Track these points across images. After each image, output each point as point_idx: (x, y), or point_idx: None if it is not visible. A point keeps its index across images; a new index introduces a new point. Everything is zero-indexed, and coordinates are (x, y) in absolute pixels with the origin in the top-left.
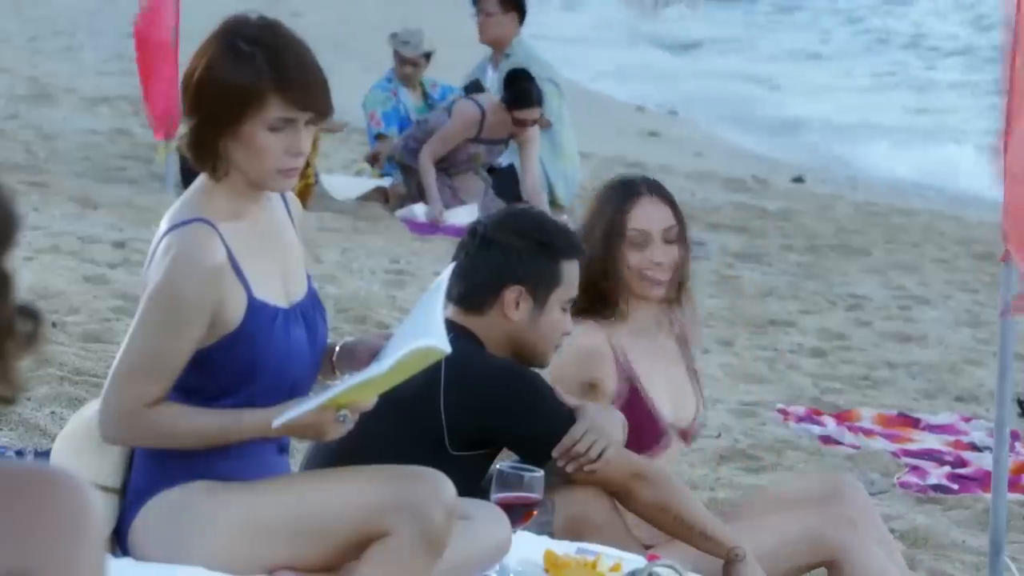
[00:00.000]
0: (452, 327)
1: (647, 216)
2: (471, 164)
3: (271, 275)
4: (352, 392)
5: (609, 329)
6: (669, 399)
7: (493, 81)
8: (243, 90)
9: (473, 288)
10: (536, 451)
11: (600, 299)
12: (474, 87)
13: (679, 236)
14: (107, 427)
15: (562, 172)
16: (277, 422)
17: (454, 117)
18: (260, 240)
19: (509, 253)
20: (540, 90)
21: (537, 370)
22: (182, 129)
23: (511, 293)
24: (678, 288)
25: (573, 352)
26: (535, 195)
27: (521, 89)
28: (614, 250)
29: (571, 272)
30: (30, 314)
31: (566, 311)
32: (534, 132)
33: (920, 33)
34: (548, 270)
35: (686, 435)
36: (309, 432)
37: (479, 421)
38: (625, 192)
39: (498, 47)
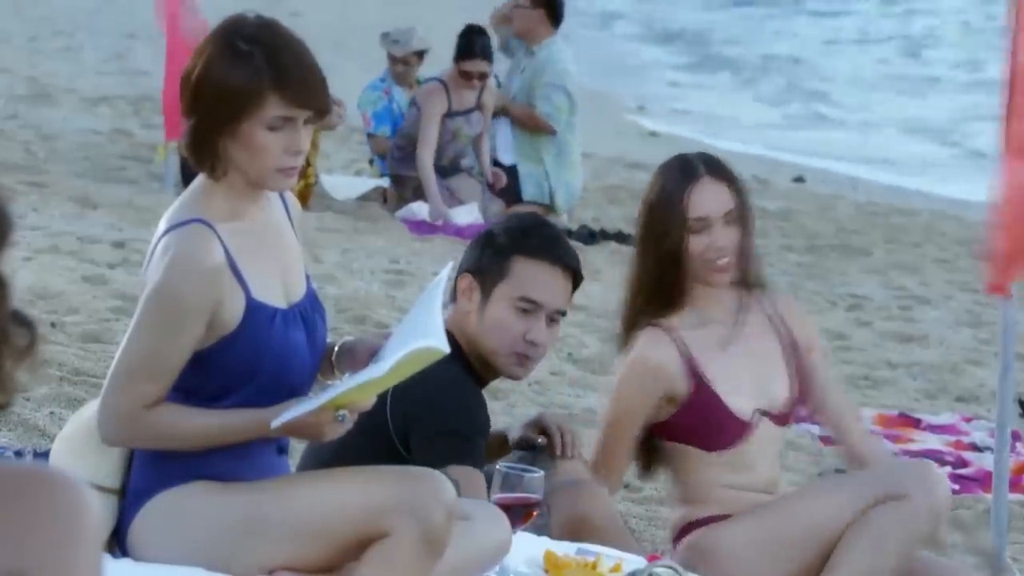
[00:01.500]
0: None
1: (706, 201)
2: (458, 144)
3: (270, 276)
4: (351, 393)
5: (675, 323)
6: (748, 385)
7: (516, 75)
8: (242, 89)
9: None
10: (422, 461)
11: (666, 290)
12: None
13: (739, 215)
14: (106, 428)
15: (565, 181)
16: (276, 423)
17: (421, 102)
18: (259, 241)
19: (477, 244)
20: (488, 44)
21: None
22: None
23: (463, 281)
24: (746, 268)
25: (640, 369)
26: (484, 156)
27: (467, 41)
28: (676, 238)
29: (528, 270)
30: (24, 322)
31: (526, 313)
32: (491, 93)
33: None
34: (495, 262)
35: (782, 418)
36: (308, 432)
37: (407, 423)
38: (683, 175)
39: (526, 40)
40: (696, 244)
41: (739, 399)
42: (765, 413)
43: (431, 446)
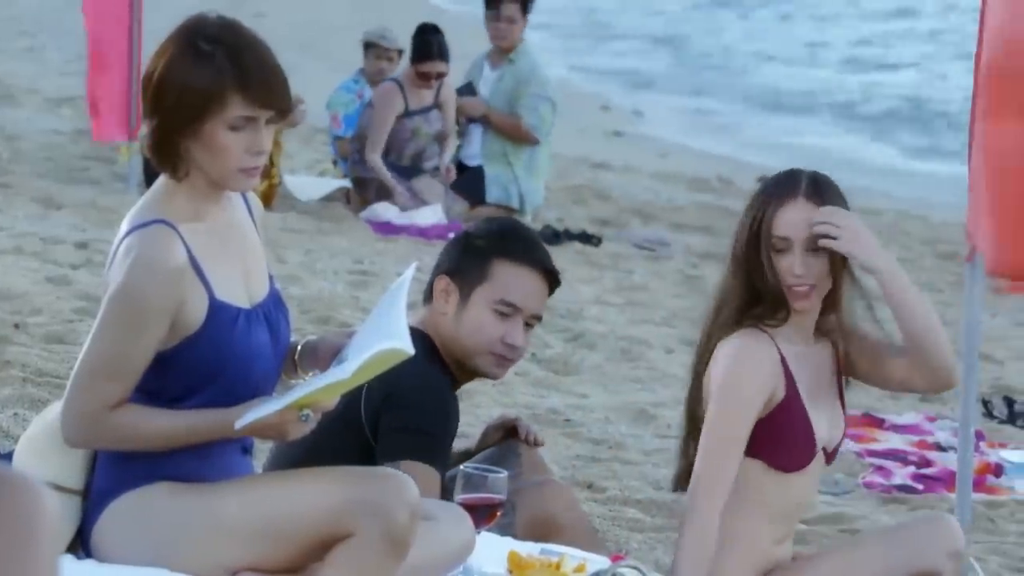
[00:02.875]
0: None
1: (792, 221)
2: (418, 142)
3: (232, 276)
4: (315, 394)
5: (771, 332)
6: (824, 416)
7: (489, 80)
8: (204, 89)
9: (429, 279)
10: (383, 449)
11: (757, 301)
12: (466, 90)
13: (826, 250)
14: (69, 430)
15: (534, 188)
16: (239, 424)
17: (375, 101)
18: (221, 241)
19: (454, 247)
20: (444, 43)
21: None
22: (144, 130)
23: (440, 283)
24: (831, 301)
25: (752, 364)
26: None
27: (423, 42)
28: (760, 252)
29: (507, 273)
30: None
31: (504, 316)
32: (449, 92)
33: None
34: (474, 264)
35: (830, 457)
36: (271, 432)
37: (378, 416)
38: (781, 189)
39: (503, 50)
40: (778, 263)
41: (818, 421)
42: (824, 448)
43: (395, 437)
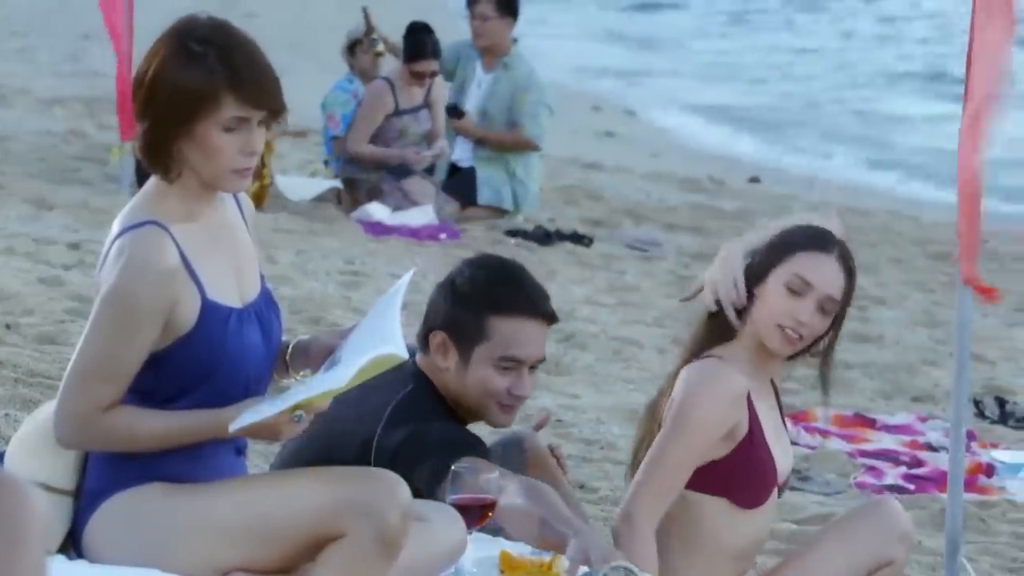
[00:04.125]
0: (412, 366)
1: (821, 270)
2: (406, 142)
3: (224, 276)
4: (310, 400)
5: (732, 357)
6: (780, 448)
7: (484, 82)
8: (197, 90)
9: (421, 326)
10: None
11: (725, 318)
12: (452, 111)
13: (836, 311)
14: (62, 431)
15: (532, 191)
16: (233, 427)
17: (364, 97)
18: (213, 241)
19: (447, 298)
20: (437, 42)
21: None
22: (136, 131)
23: (435, 338)
24: (800, 355)
25: (721, 395)
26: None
27: (416, 41)
28: (765, 275)
29: (506, 329)
30: None
31: (508, 370)
32: (439, 91)
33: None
34: (470, 323)
35: (782, 488)
36: (264, 433)
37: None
38: (815, 240)
39: (493, 52)
40: (781, 299)
41: (778, 455)
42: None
43: (426, 455)
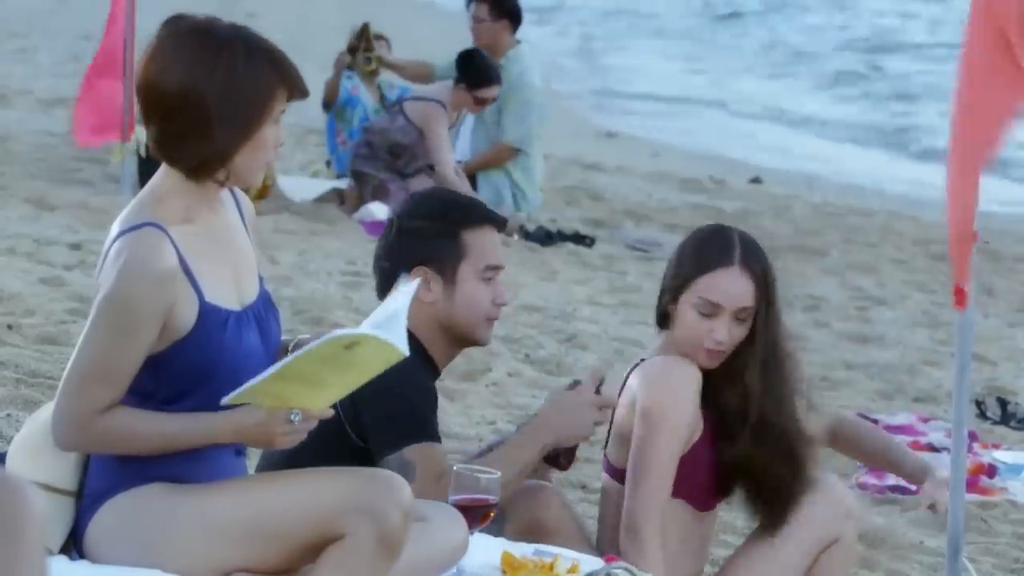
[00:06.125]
0: None
1: (724, 288)
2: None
3: (223, 278)
4: (305, 363)
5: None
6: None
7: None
8: (261, 93)
9: (385, 279)
10: (377, 443)
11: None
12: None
13: (754, 312)
14: (61, 434)
15: (532, 191)
16: (226, 399)
17: (423, 124)
18: (211, 243)
19: (410, 237)
20: (497, 66)
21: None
22: (140, 134)
23: (416, 275)
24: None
25: (683, 395)
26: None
27: (482, 68)
28: (676, 300)
29: (478, 240)
30: None
31: (490, 280)
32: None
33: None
34: (447, 246)
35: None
36: (259, 439)
37: (356, 410)
38: (714, 256)
39: (490, 54)
40: (695, 323)
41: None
42: None
43: (384, 428)
